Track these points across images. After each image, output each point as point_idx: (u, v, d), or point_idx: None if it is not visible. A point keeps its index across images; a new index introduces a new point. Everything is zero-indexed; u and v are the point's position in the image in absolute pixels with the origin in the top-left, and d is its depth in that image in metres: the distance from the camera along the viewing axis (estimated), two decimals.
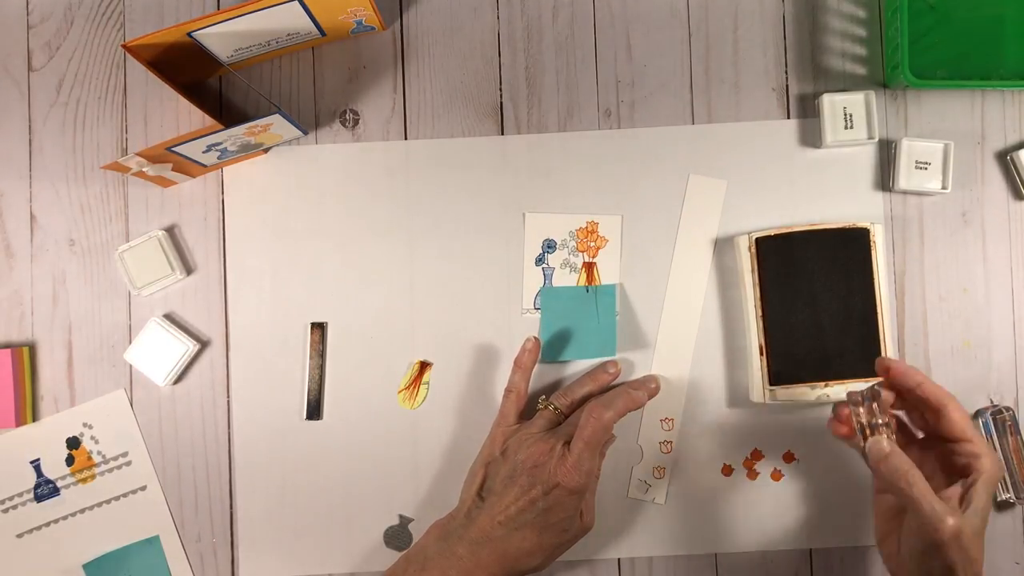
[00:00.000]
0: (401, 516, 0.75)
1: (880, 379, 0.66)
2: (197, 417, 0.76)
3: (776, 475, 0.75)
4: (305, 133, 0.76)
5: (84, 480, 0.75)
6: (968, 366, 0.74)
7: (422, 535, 0.70)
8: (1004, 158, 0.75)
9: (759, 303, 0.72)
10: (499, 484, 0.67)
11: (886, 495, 0.66)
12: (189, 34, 0.69)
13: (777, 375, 0.72)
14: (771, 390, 0.72)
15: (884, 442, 0.62)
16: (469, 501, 0.68)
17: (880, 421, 0.63)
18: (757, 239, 0.72)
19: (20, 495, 0.75)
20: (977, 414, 0.74)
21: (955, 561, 0.59)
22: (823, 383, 0.72)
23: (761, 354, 0.72)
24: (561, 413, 0.71)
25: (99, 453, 0.75)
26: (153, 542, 0.75)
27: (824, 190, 0.75)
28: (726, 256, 0.75)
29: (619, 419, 0.68)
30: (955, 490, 0.61)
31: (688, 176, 0.75)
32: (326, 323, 0.76)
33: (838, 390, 0.72)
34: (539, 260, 0.76)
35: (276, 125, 0.71)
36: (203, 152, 0.72)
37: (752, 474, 0.75)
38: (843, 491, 0.74)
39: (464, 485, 0.71)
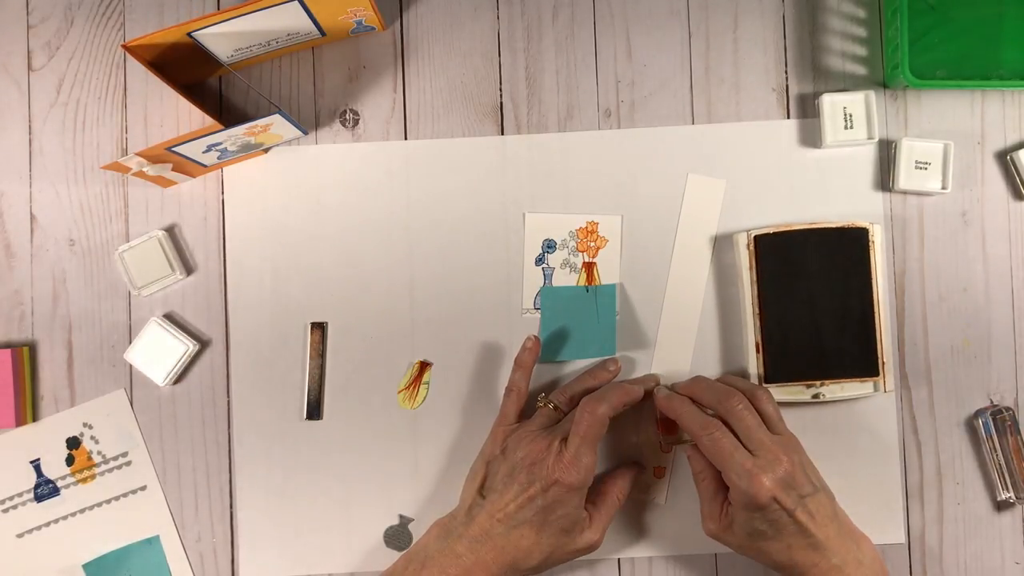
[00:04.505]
0: (401, 516, 0.75)
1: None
2: (197, 417, 0.76)
3: None
4: (305, 133, 0.76)
5: (84, 480, 0.75)
6: (968, 366, 0.74)
7: (424, 534, 0.70)
8: (1004, 158, 0.75)
9: (756, 300, 0.72)
10: (499, 482, 0.67)
11: (703, 477, 0.69)
12: (189, 34, 0.69)
13: (772, 373, 0.72)
14: (766, 388, 0.72)
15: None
16: (470, 499, 0.69)
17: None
18: (756, 236, 0.72)
19: (20, 495, 0.75)
20: (977, 414, 0.74)
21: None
22: (819, 382, 0.72)
23: (757, 351, 0.72)
24: (560, 411, 0.71)
25: (99, 453, 0.75)
26: (153, 542, 0.75)
27: (824, 190, 0.75)
28: (725, 254, 0.75)
29: (614, 413, 0.67)
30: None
31: (687, 176, 0.75)
32: (326, 323, 0.76)
33: (833, 389, 0.72)
34: (539, 260, 0.75)
35: (276, 125, 0.71)
36: (203, 152, 0.72)
37: None
38: (841, 490, 0.73)
39: (465, 484, 0.71)
